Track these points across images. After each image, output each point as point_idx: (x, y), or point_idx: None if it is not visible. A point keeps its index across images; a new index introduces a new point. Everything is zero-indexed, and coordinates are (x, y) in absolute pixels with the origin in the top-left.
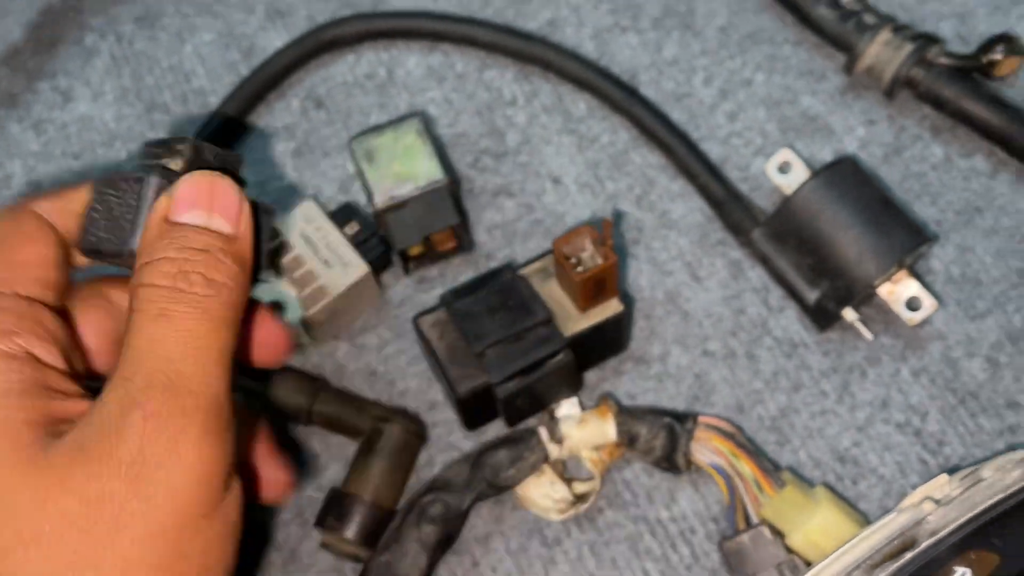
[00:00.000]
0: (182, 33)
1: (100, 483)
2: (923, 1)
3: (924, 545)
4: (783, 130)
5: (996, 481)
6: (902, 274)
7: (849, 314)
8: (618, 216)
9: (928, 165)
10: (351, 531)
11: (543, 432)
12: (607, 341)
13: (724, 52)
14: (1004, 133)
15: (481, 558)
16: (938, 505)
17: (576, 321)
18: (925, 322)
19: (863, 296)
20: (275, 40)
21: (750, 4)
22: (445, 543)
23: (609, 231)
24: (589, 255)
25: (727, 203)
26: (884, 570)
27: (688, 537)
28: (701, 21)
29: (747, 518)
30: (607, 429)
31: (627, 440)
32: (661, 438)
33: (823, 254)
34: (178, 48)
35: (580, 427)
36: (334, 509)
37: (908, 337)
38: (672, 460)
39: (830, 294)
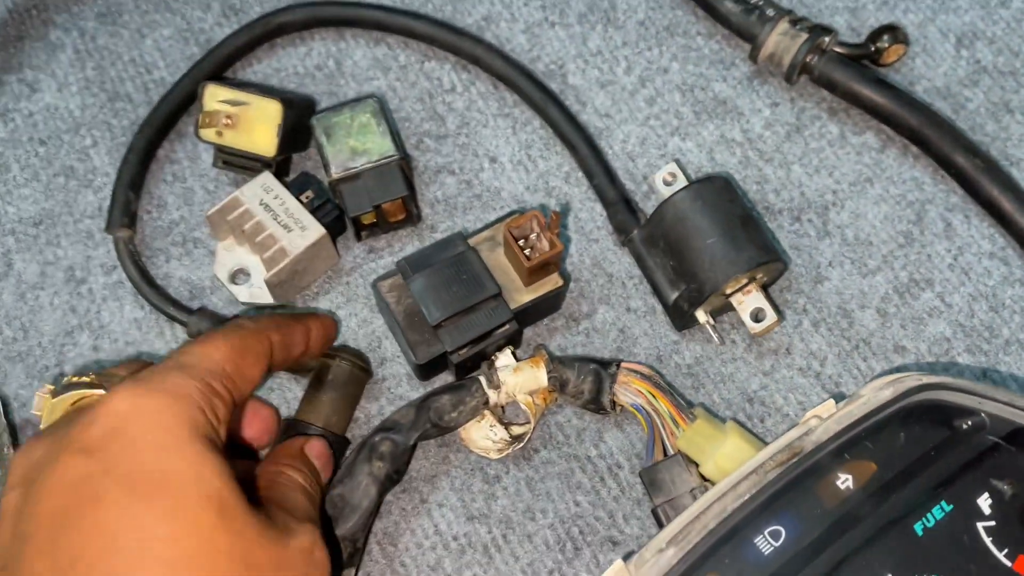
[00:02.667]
0: (142, 29)
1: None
2: None
3: (808, 451)
4: (696, 112)
5: (871, 399)
6: (752, 287)
7: (701, 316)
8: (550, 192)
9: (825, 142)
10: None
11: (483, 379)
12: (547, 308)
13: (643, 44)
14: (888, 113)
15: (429, 495)
16: (822, 421)
17: (522, 294)
18: (769, 333)
19: (718, 303)
20: None
21: (666, 0)
22: (393, 477)
23: (557, 221)
24: (536, 237)
25: (615, 204)
26: (775, 473)
27: (615, 471)
28: (622, 16)
29: (665, 450)
30: (540, 376)
31: (558, 385)
32: (588, 382)
33: (683, 259)
34: (139, 42)
35: (516, 374)
36: (289, 435)
37: (809, 293)
38: (599, 402)
39: (685, 296)
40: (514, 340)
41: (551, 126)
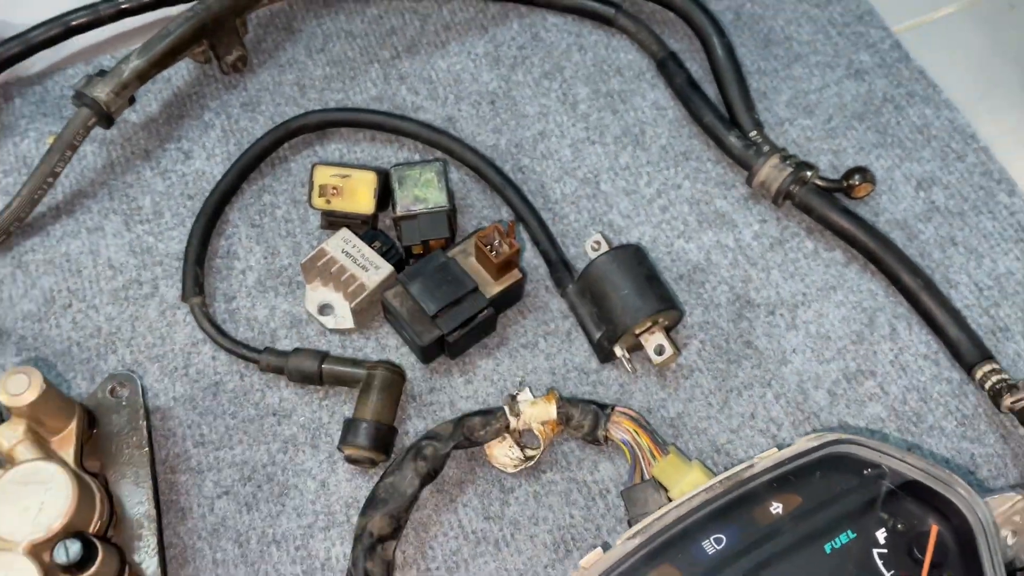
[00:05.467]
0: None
1: None
2: (810, 140)
3: (747, 479)
4: (699, 221)
5: (800, 447)
6: (656, 328)
7: (618, 351)
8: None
9: (801, 254)
10: (363, 440)
11: (506, 408)
12: (513, 297)
13: (663, 163)
14: (851, 237)
15: (456, 496)
16: (763, 459)
17: (492, 287)
18: (670, 364)
19: (631, 341)
20: None
21: (684, 131)
22: (432, 475)
23: (512, 229)
24: (498, 243)
25: (555, 264)
26: (717, 493)
27: (604, 494)
28: (648, 140)
29: (643, 475)
30: (551, 410)
31: (564, 419)
32: (588, 419)
33: (602, 306)
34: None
35: (532, 406)
36: (350, 430)
37: (773, 370)
38: (595, 435)
39: (605, 335)
40: (491, 323)
41: (512, 208)
